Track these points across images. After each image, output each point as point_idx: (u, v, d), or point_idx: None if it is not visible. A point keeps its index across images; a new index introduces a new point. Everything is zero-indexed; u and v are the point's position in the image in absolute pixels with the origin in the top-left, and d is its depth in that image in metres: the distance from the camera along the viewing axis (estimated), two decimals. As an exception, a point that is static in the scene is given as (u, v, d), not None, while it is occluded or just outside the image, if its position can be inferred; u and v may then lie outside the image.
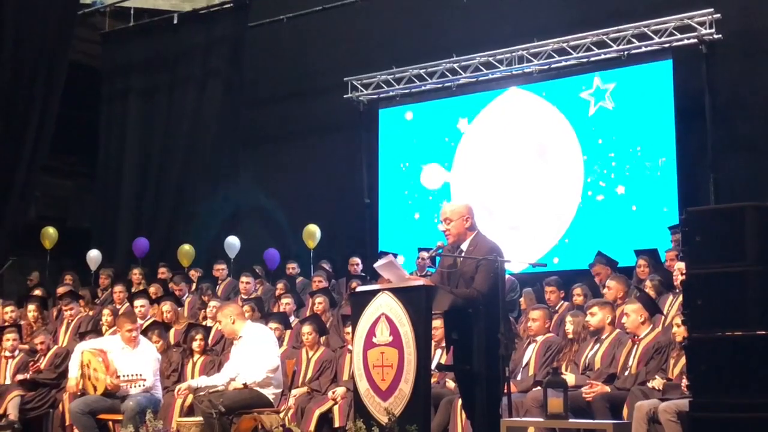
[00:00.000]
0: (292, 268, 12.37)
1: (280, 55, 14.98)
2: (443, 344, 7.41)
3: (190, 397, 8.44)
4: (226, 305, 8.34)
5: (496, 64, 12.73)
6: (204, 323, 10.40)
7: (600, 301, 8.10)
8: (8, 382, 9.94)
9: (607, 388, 7.20)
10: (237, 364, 7.67)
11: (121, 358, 8.41)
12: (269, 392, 7.50)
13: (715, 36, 11.18)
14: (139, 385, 8.16)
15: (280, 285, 11.38)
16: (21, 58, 13.24)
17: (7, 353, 10.15)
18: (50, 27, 13.42)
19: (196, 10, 15.59)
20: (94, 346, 8.61)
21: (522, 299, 9.75)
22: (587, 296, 9.23)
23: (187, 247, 13.84)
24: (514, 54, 12.54)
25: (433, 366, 6.69)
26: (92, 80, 16.17)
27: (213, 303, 10.68)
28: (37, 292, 12.42)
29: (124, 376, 8.18)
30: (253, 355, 7.54)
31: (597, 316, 7.76)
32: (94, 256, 14.33)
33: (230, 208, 14.75)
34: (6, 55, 13.13)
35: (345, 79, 13.81)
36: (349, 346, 7.95)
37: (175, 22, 15.38)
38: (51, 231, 14.63)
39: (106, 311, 10.61)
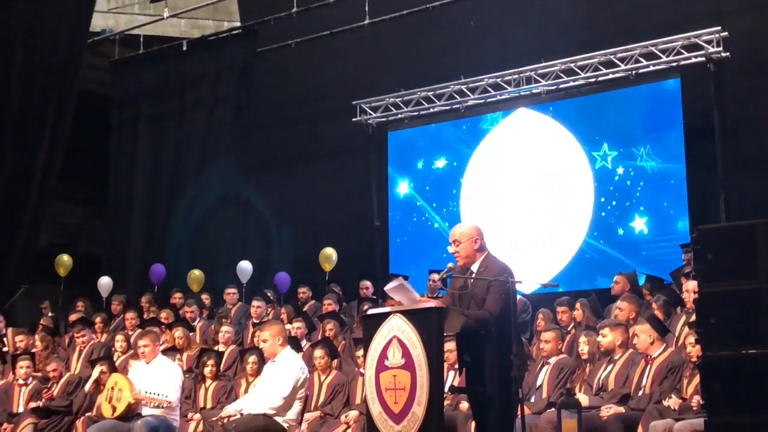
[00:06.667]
0: (303, 292, 12.37)
1: (289, 79, 15.03)
2: (456, 366, 7.39)
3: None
4: (276, 324, 8.28)
5: (504, 85, 12.74)
6: (216, 348, 10.41)
7: (612, 322, 8.08)
8: (21, 409, 9.95)
9: (621, 409, 7.17)
10: (267, 387, 7.62)
11: (142, 375, 8.33)
12: (284, 419, 7.46)
13: (723, 54, 11.17)
14: (164, 406, 8.03)
15: (283, 310, 11.39)
16: (30, 86, 13.30)
17: (21, 381, 10.17)
18: (59, 55, 13.49)
19: (204, 37, 15.69)
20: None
21: (540, 318, 9.62)
22: (585, 310, 9.28)
23: (197, 272, 13.86)
24: (522, 75, 12.55)
25: (446, 388, 6.66)
26: (102, 107, 16.25)
27: (225, 328, 10.69)
28: (45, 321, 12.45)
29: (146, 393, 8.09)
30: (280, 383, 7.50)
31: (608, 338, 7.74)
32: (105, 282, 14.38)
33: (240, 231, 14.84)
34: (15, 84, 13.20)
35: (353, 102, 13.84)
36: (362, 370, 7.93)
37: (184, 48, 15.48)
38: (65, 258, 14.68)
39: (119, 337, 10.62)
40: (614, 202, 12.00)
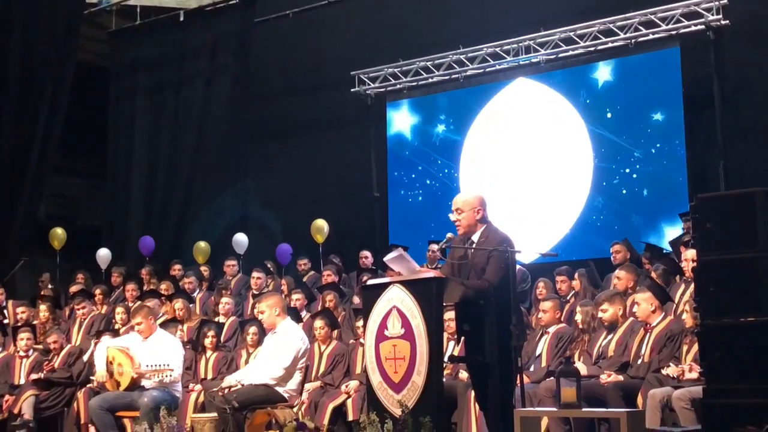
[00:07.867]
0: (303, 264, 12.38)
1: (287, 50, 14.97)
2: (455, 336, 7.40)
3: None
4: (273, 295, 8.29)
5: (503, 54, 12.69)
6: (216, 319, 10.44)
7: (609, 294, 8.02)
8: (23, 381, 9.99)
9: (621, 377, 7.19)
10: (268, 358, 7.65)
11: (141, 351, 8.28)
12: (284, 389, 7.49)
13: (723, 22, 11.12)
14: (168, 376, 7.97)
15: (283, 281, 11.41)
16: (29, 58, 13.26)
17: (22, 353, 10.21)
18: (57, 27, 13.44)
19: (202, 7, 15.59)
20: (118, 343, 8.59)
21: (542, 287, 9.58)
22: (583, 280, 9.32)
23: (203, 244, 13.83)
24: (521, 44, 12.50)
25: (445, 358, 6.69)
26: (100, 79, 16.20)
27: (225, 300, 10.72)
28: (48, 291, 12.48)
29: (147, 366, 8.06)
30: (281, 354, 7.52)
31: (609, 312, 7.70)
32: (103, 254, 14.36)
33: (239, 207, 14.81)
34: (14, 56, 13.16)
35: (352, 73, 13.79)
36: (362, 340, 7.95)
37: (182, 19, 15.41)
38: (59, 231, 14.62)
39: (119, 309, 10.64)
40: (613, 172, 11.98)
